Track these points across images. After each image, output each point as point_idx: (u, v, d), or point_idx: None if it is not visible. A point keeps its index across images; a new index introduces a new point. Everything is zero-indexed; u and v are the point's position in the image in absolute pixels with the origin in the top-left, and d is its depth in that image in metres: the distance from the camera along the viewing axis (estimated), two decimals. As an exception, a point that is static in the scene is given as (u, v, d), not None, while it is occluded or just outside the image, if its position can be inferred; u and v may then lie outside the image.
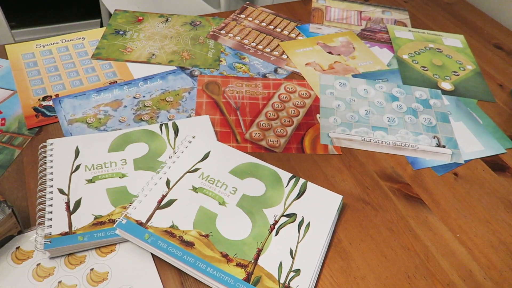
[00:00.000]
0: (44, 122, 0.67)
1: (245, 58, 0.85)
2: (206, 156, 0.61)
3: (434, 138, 0.70)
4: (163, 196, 0.55)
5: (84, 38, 0.85)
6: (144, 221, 0.52)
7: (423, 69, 0.85)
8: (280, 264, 0.50)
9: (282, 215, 0.55)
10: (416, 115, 0.74)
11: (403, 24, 0.99)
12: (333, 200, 0.58)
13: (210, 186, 0.57)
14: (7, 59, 0.79)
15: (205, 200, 0.55)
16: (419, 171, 0.65)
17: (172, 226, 0.52)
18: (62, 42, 0.84)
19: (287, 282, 0.49)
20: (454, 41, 0.95)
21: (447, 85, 0.82)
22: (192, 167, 0.59)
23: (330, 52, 0.88)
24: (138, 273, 0.50)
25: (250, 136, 0.69)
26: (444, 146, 0.69)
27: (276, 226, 0.54)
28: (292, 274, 0.50)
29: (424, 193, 0.62)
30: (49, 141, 0.62)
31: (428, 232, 0.57)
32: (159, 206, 0.54)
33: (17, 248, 0.51)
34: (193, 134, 0.64)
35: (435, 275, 0.53)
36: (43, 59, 0.80)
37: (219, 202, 0.55)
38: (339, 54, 0.88)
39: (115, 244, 0.52)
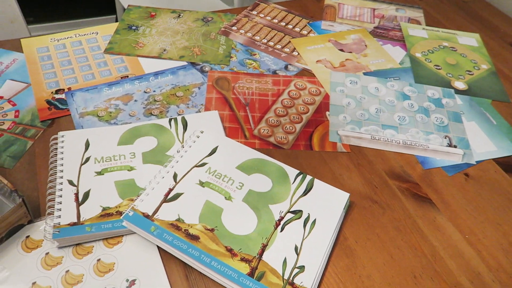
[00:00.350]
0: (57, 115, 0.69)
1: (255, 54, 0.84)
2: (213, 151, 0.61)
3: (445, 137, 0.69)
4: (170, 190, 0.55)
5: (97, 33, 0.86)
6: (150, 213, 0.52)
7: (436, 68, 0.84)
8: (285, 260, 0.50)
9: (288, 212, 0.55)
10: (428, 114, 0.73)
11: (417, 22, 0.98)
12: (340, 197, 0.57)
13: (216, 181, 0.57)
14: (23, 52, 0.81)
15: (212, 195, 0.56)
16: (429, 170, 0.65)
17: (178, 220, 0.52)
18: (75, 36, 0.85)
19: (291, 278, 0.49)
20: (469, 39, 0.93)
21: (460, 85, 0.81)
22: (199, 161, 0.59)
23: (341, 50, 0.87)
24: (143, 265, 0.51)
25: (259, 132, 0.69)
26: (455, 146, 0.68)
27: (282, 222, 0.54)
28: (296, 270, 0.50)
29: (433, 193, 0.61)
30: (60, 133, 0.63)
31: (436, 232, 0.57)
32: (165, 199, 0.54)
33: (27, 237, 0.52)
34: (201, 129, 0.64)
35: (442, 276, 0.52)
36: (57, 53, 0.81)
37: (225, 197, 0.56)
38: (350, 52, 0.87)
39: (122, 235, 0.53)
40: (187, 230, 0.51)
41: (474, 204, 0.60)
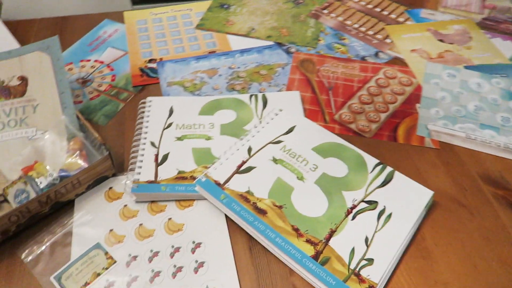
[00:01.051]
0: (147, 82, 0.73)
1: (345, 39, 0.81)
2: (290, 130, 0.60)
3: (558, 145, 0.60)
4: (243, 162, 0.55)
5: (191, 9, 0.90)
6: (222, 182, 0.53)
7: (556, 68, 0.73)
8: (353, 250, 0.48)
9: (362, 201, 0.52)
10: (539, 117, 0.64)
11: (536, 16, 0.86)
12: (422, 194, 0.52)
13: (290, 159, 0.56)
14: (124, 23, 0.87)
15: (284, 172, 0.54)
16: (533, 180, 0.56)
17: (248, 192, 0.52)
18: (171, 11, 0.89)
19: (357, 269, 0.46)
20: None
21: None
22: (275, 138, 0.58)
23: (441, 40, 0.80)
24: (210, 231, 0.51)
25: (340, 118, 0.66)
26: None
27: (354, 211, 0.51)
28: (364, 262, 0.47)
29: (536, 205, 0.53)
30: (148, 98, 0.67)
31: (534, 249, 0.49)
32: (238, 171, 0.54)
33: (110, 188, 0.56)
34: (281, 107, 0.63)
35: (537, 298, 0.45)
36: (154, 26, 0.86)
37: (297, 177, 0.54)
38: (451, 43, 0.79)
39: (194, 200, 0.55)
40: (256, 203, 0.51)
41: None
